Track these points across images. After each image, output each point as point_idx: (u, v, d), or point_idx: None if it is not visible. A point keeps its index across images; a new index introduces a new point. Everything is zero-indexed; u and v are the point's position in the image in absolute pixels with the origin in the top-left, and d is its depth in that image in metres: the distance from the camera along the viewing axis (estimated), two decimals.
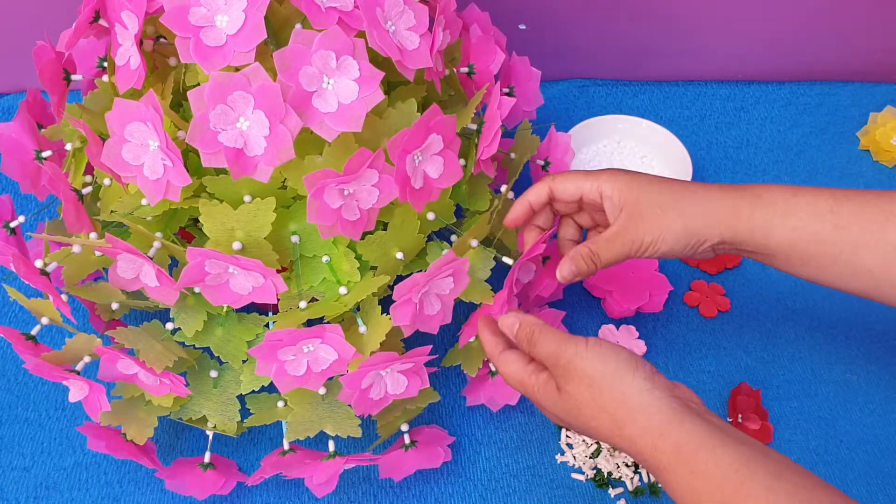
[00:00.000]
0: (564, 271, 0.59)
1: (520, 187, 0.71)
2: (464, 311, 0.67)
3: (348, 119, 0.54)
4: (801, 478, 0.47)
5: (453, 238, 0.67)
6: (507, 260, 0.65)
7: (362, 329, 0.60)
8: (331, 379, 0.61)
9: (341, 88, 0.54)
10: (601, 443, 0.69)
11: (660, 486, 0.68)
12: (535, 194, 0.62)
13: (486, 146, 0.61)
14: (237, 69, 0.53)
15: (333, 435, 0.62)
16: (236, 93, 0.52)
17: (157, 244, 0.58)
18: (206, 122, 0.52)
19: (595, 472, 0.69)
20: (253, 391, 0.62)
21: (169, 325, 0.62)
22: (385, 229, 0.61)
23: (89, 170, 0.64)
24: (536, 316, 0.69)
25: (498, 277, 0.65)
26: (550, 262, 0.70)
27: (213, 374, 0.64)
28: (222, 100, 0.52)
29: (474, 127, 0.66)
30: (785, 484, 0.47)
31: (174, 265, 0.62)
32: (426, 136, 0.57)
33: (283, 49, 0.52)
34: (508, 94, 0.75)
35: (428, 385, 0.62)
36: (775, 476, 0.47)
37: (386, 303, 0.60)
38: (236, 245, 0.57)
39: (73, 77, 0.66)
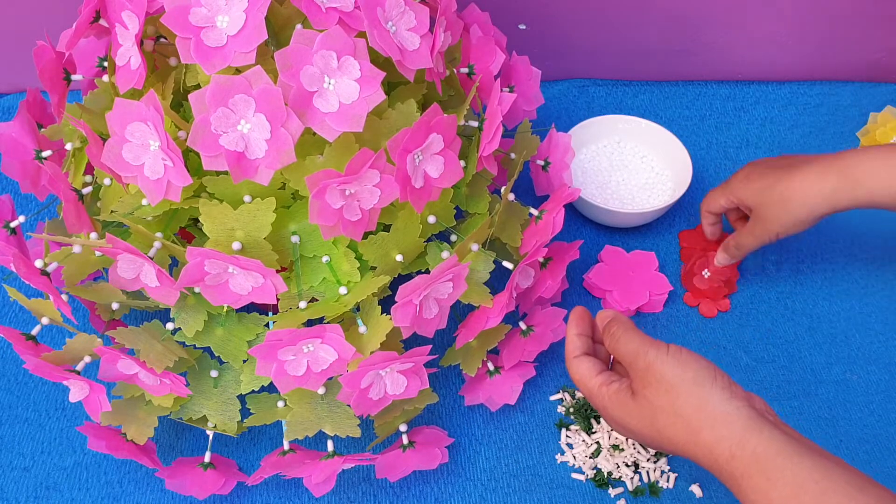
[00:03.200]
0: (720, 258, 0.78)
1: (520, 188, 0.71)
2: (462, 312, 0.67)
3: (349, 119, 0.54)
4: (883, 492, 0.47)
5: (453, 238, 0.67)
6: (506, 264, 0.65)
7: (362, 329, 0.60)
8: (331, 379, 0.61)
9: (342, 88, 0.54)
10: (601, 443, 0.69)
11: (660, 485, 0.68)
12: (707, 220, 0.79)
13: (488, 142, 0.62)
14: (238, 70, 0.53)
15: (332, 435, 0.62)
16: (237, 96, 0.52)
17: (157, 244, 0.59)
18: (208, 125, 0.52)
19: (595, 472, 0.69)
20: (253, 391, 0.62)
21: (169, 325, 0.62)
22: (386, 230, 0.61)
23: (89, 170, 0.64)
24: (539, 315, 0.70)
25: (497, 278, 0.65)
26: (551, 263, 0.70)
27: (214, 373, 0.64)
28: (223, 103, 0.52)
29: (475, 124, 0.66)
30: (867, 497, 0.46)
31: (174, 265, 0.62)
32: (427, 135, 0.57)
33: (284, 49, 0.52)
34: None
35: (427, 386, 0.62)
36: (858, 488, 0.47)
37: (385, 303, 0.60)
38: (236, 245, 0.57)
39: (74, 77, 0.66)
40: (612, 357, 0.61)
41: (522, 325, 0.70)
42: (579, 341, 0.60)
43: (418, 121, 0.55)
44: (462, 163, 0.61)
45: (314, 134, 0.55)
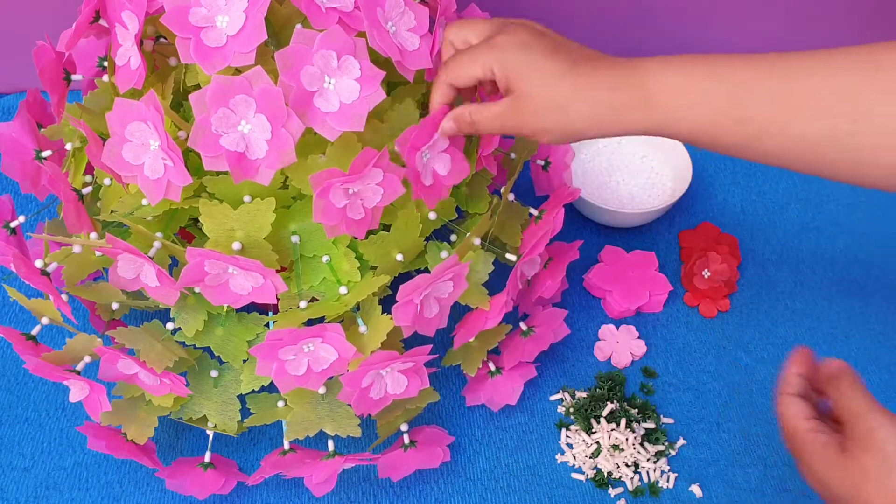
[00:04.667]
0: (446, 128, 0.58)
1: (520, 188, 0.71)
2: (460, 311, 0.67)
3: (350, 118, 0.54)
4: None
5: (453, 238, 0.67)
6: (510, 256, 0.65)
7: (362, 329, 0.60)
8: (331, 378, 0.61)
9: (343, 88, 0.54)
10: (601, 443, 0.69)
11: (660, 485, 0.68)
12: (441, 96, 0.58)
13: (488, 142, 0.62)
14: (237, 70, 0.53)
15: (333, 434, 0.62)
16: (238, 96, 0.52)
17: (157, 244, 0.58)
18: (208, 126, 0.52)
19: (595, 472, 0.69)
20: (253, 391, 0.62)
21: (169, 325, 0.62)
22: (385, 229, 0.61)
23: (89, 170, 0.64)
24: (543, 315, 0.70)
25: (497, 278, 0.65)
26: (551, 263, 0.70)
27: (214, 373, 0.64)
28: (224, 103, 0.52)
29: None
30: None
31: (174, 265, 0.62)
32: (433, 132, 0.57)
33: (284, 49, 0.52)
34: None
35: (428, 385, 0.62)
36: None
37: (386, 303, 0.60)
38: (236, 245, 0.57)
39: (74, 77, 0.66)
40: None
41: (523, 326, 0.70)
42: (798, 381, 0.57)
43: (425, 118, 0.55)
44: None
45: (315, 134, 0.55)
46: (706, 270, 0.79)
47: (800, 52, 0.53)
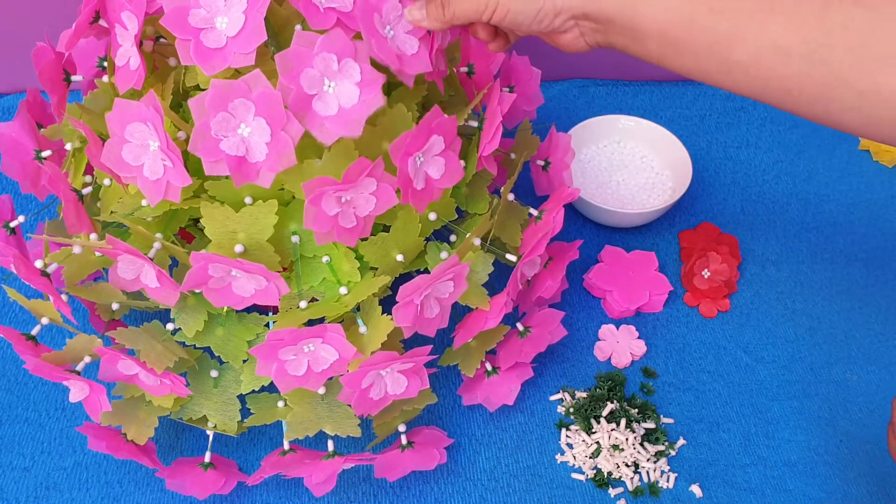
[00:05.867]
0: (415, 13, 0.56)
1: (519, 188, 0.71)
2: (460, 311, 0.67)
3: (349, 123, 0.53)
4: None
5: (452, 238, 0.67)
6: (510, 257, 0.65)
7: (363, 329, 0.60)
8: (331, 379, 0.61)
9: (342, 91, 0.53)
10: (601, 443, 0.69)
11: (660, 485, 0.68)
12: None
13: (488, 142, 0.61)
14: (237, 71, 0.53)
15: (333, 434, 0.62)
16: (237, 100, 0.52)
17: (157, 245, 0.59)
18: (208, 130, 0.52)
19: (595, 472, 0.69)
20: (253, 391, 0.62)
21: (169, 326, 0.62)
22: (385, 230, 0.61)
23: (89, 170, 0.64)
24: (540, 316, 0.70)
25: (496, 279, 0.65)
26: (551, 263, 0.70)
27: (214, 373, 0.64)
28: (223, 107, 0.52)
29: (475, 124, 0.66)
30: None
31: (174, 265, 0.62)
32: (428, 137, 0.57)
33: (284, 51, 0.52)
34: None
35: (427, 386, 0.62)
36: None
37: (386, 303, 0.60)
38: (238, 247, 0.57)
39: (73, 78, 0.66)
40: None
41: (520, 326, 0.70)
42: None
43: (419, 123, 0.55)
44: (462, 163, 0.61)
45: (312, 138, 0.55)
46: (706, 270, 0.79)
47: None
